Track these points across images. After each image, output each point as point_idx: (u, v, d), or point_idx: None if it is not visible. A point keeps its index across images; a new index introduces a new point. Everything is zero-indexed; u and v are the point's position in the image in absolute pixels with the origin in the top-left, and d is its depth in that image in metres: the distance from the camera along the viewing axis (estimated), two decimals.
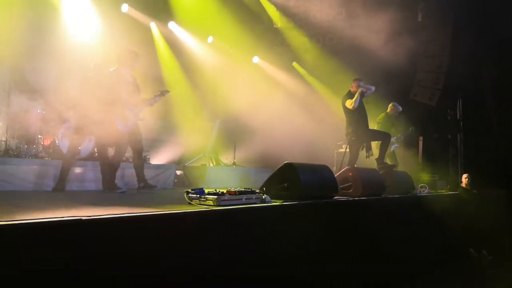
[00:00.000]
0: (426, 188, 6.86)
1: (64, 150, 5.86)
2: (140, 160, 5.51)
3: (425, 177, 8.22)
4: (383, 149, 6.60)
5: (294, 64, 11.61)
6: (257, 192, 3.48)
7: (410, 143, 9.12)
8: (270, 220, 3.27)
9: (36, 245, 1.86)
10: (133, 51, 5.38)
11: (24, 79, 6.85)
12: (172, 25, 10.23)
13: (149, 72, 9.46)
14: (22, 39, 6.97)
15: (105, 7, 8.37)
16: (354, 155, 6.58)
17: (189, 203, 3.14)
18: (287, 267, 3.26)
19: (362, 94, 6.45)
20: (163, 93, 5.50)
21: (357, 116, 6.46)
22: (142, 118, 5.41)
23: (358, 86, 6.53)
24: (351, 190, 4.97)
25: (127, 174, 6.53)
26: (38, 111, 6.43)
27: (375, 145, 7.12)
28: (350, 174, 5.08)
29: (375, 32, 9.25)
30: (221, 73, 10.32)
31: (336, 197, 4.47)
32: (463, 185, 7.92)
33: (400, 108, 8.24)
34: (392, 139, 7.74)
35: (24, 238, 1.85)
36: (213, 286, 2.64)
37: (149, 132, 9.11)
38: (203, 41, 10.69)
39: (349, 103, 6.44)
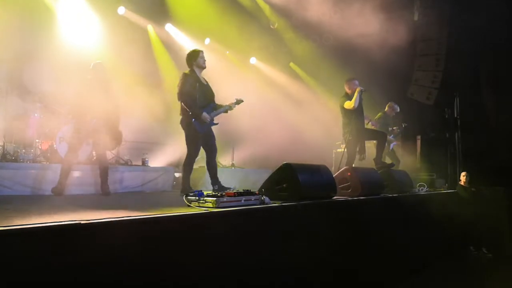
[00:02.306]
0: (424, 187, 6.87)
1: (62, 154, 5.87)
2: (214, 163, 5.41)
3: (423, 176, 8.23)
4: (380, 148, 6.60)
5: (291, 64, 11.62)
6: (256, 194, 3.48)
7: (407, 142, 9.13)
8: (269, 221, 3.27)
9: (35, 250, 1.85)
10: (194, 50, 5.34)
11: (21, 83, 6.84)
12: (169, 27, 10.23)
13: (147, 74, 9.47)
14: (19, 43, 6.97)
15: (101, 9, 8.37)
16: (351, 155, 6.58)
17: (188, 206, 3.13)
18: (287, 267, 3.26)
19: (361, 93, 6.44)
20: (238, 102, 5.50)
21: (354, 116, 6.46)
22: (217, 123, 5.38)
23: (355, 85, 6.52)
24: (349, 190, 4.97)
25: (126, 177, 6.53)
26: (36, 115, 6.42)
27: (372, 144, 7.13)
28: (349, 174, 5.08)
29: (371, 31, 9.26)
30: (218, 75, 10.30)
31: (335, 197, 4.47)
32: (462, 183, 7.94)
33: (398, 108, 8.25)
34: (389, 137, 7.75)
35: (23, 243, 1.85)
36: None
37: (147, 135, 9.14)
38: (200, 43, 10.68)
39: (349, 104, 6.41)
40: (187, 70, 5.24)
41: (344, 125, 6.57)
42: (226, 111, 5.45)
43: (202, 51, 5.30)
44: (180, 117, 5.16)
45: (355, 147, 6.60)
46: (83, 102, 5.17)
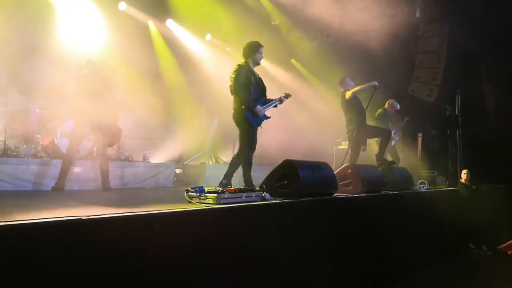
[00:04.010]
0: (425, 184, 6.87)
1: (63, 149, 5.87)
2: (251, 160, 5.14)
3: (424, 173, 8.23)
4: (382, 145, 6.58)
5: (292, 61, 11.60)
6: (256, 190, 3.48)
7: (408, 139, 9.13)
8: (270, 218, 3.27)
9: (36, 246, 1.85)
10: (254, 43, 5.04)
11: (21, 78, 6.83)
12: (170, 22, 10.21)
13: (147, 70, 9.46)
14: (19, 38, 6.96)
15: (102, 5, 8.34)
16: (356, 152, 6.56)
17: (189, 202, 3.13)
18: (287, 264, 3.26)
19: (374, 89, 6.32)
20: (287, 96, 5.28)
21: (356, 113, 6.45)
22: (270, 116, 5.14)
23: (347, 84, 6.52)
24: (350, 187, 4.97)
25: (126, 173, 6.53)
26: (37, 110, 6.42)
27: (374, 141, 7.12)
28: (350, 171, 5.07)
29: (372, 28, 9.25)
30: (219, 71, 10.30)
31: (335, 194, 4.47)
32: (462, 180, 7.94)
33: (398, 106, 8.23)
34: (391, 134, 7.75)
35: (24, 238, 1.84)
36: (213, 284, 2.64)
37: (148, 131, 9.15)
38: (201, 39, 10.67)
39: (349, 93, 6.36)
40: (242, 61, 4.99)
41: (348, 122, 6.51)
42: (276, 106, 5.23)
43: (262, 46, 5.04)
44: (233, 111, 4.93)
45: (359, 144, 6.58)
46: (82, 98, 5.15)
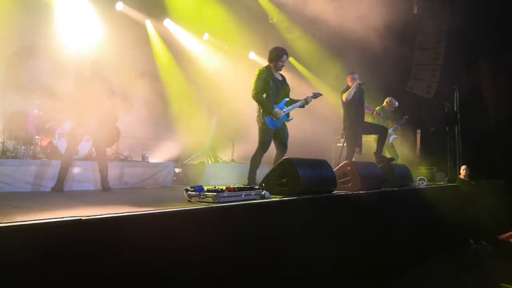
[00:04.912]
0: (424, 181, 6.88)
1: (62, 150, 5.87)
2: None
3: (423, 169, 8.23)
4: (380, 142, 6.60)
5: (291, 59, 11.58)
6: (256, 188, 3.48)
7: (407, 136, 9.13)
8: (269, 216, 3.27)
9: (36, 246, 1.85)
10: (279, 49, 5.20)
11: (19, 79, 6.82)
12: (167, 22, 10.19)
13: (146, 70, 9.45)
14: (17, 39, 6.94)
15: (99, 5, 8.32)
16: (351, 149, 6.58)
17: (189, 201, 3.14)
18: (287, 262, 3.27)
19: (357, 87, 6.46)
20: (316, 95, 5.38)
21: (354, 110, 6.48)
22: (292, 118, 5.29)
23: (353, 79, 6.56)
24: (349, 184, 4.98)
25: (126, 173, 6.53)
26: (35, 111, 6.41)
27: (372, 138, 7.13)
28: (349, 168, 5.08)
29: (371, 26, 9.23)
30: (217, 70, 10.29)
31: (335, 192, 4.48)
32: (462, 176, 7.94)
33: (396, 104, 8.24)
34: (390, 130, 7.76)
35: (24, 239, 1.85)
36: (213, 283, 2.64)
37: (147, 130, 9.14)
38: (199, 38, 10.65)
39: (344, 96, 6.47)
40: (263, 66, 5.20)
41: (344, 118, 6.58)
42: (301, 106, 5.33)
43: (287, 55, 5.20)
44: (256, 113, 5.11)
45: (354, 142, 6.60)
46: (81, 98, 5.16)
